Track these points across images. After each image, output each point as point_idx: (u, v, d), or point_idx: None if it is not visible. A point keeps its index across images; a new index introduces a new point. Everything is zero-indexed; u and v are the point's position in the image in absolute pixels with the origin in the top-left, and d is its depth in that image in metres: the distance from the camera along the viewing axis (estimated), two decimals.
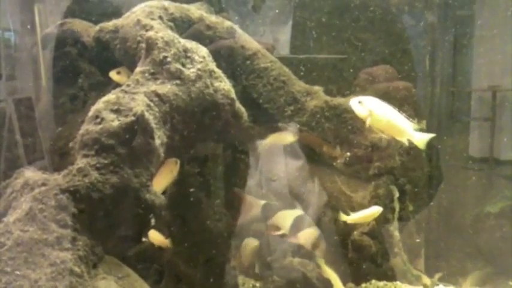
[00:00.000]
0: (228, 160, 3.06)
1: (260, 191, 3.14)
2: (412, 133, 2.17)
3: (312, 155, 2.93)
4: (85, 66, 2.93)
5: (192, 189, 2.62)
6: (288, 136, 2.83)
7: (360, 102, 2.19)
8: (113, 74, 2.46)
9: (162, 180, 2.24)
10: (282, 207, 3.03)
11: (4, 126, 3.95)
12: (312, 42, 3.83)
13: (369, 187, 2.71)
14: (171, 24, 2.70)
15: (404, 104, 2.96)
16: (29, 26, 3.85)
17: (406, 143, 2.22)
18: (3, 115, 3.96)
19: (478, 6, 4.41)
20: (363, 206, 2.73)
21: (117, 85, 2.55)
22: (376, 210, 2.46)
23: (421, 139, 2.19)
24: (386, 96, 2.83)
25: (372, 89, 3.05)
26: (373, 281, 2.95)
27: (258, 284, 3.18)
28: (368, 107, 2.16)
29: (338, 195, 2.77)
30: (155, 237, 2.49)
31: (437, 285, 3.07)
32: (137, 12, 2.64)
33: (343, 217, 2.50)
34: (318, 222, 3.00)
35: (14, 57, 4.21)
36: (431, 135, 2.20)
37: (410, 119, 2.19)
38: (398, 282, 3.24)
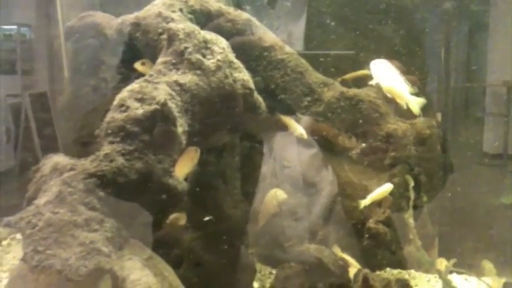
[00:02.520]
0: (245, 149, 3.13)
1: (274, 178, 3.20)
2: (408, 96, 2.45)
3: (327, 145, 2.98)
4: (106, 57, 3.01)
5: (210, 177, 2.69)
6: (299, 130, 2.87)
7: (374, 64, 2.51)
8: (138, 65, 2.55)
9: (183, 168, 2.30)
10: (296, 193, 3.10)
11: (20, 120, 4.06)
12: (326, 35, 3.87)
13: (384, 176, 2.76)
14: (191, 16, 2.77)
15: None
16: (50, 20, 3.95)
17: (405, 106, 2.48)
18: (20, 109, 4.08)
19: (493, 1, 4.40)
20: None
21: (139, 75, 2.64)
22: (387, 187, 2.54)
23: (415, 102, 2.46)
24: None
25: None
26: (388, 269, 3.01)
27: (274, 271, 3.25)
28: (378, 70, 2.49)
29: (354, 185, 2.82)
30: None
31: (451, 272, 3.11)
32: (158, 4, 2.72)
33: (362, 203, 2.57)
34: (332, 210, 3.06)
35: (35, 52, 4.31)
36: (423, 100, 2.48)
37: (411, 85, 2.47)
38: (412, 271, 3.29)
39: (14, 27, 4.37)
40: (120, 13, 2.99)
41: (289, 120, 2.85)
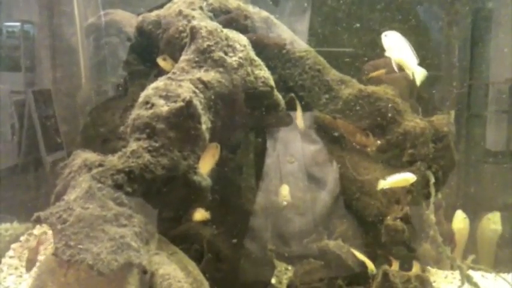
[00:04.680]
0: (260, 146, 3.16)
1: (278, 172, 3.22)
2: (413, 67, 2.54)
3: (345, 142, 3.00)
4: (126, 55, 3.04)
5: (230, 173, 2.71)
6: (299, 121, 2.90)
7: (385, 36, 2.59)
8: (160, 60, 2.59)
9: (206, 165, 2.33)
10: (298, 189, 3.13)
11: (24, 117, 4.11)
12: (330, 32, 3.88)
13: None
14: (211, 14, 2.79)
15: (405, 94, 3.03)
16: (61, 17, 3.98)
17: (411, 76, 2.56)
18: (24, 106, 4.12)
19: None
20: (395, 192, 2.80)
21: (159, 73, 2.67)
22: (409, 176, 2.57)
23: (419, 72, 2.55)
24: (394, 85, 2.92)
25: (375, 80, 3.12)
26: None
27: (290, 267, 3.28)
28: (388, 42, 2.58)
29: (372, 182, 2.83)
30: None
31: (468, 269, 3.13)
32: (179, 3, 2.75)
33: (381, 184, 2.59)
34: (336, 204, 3.08)
35: (38, 49, 4.34)
36: (425, 71, 2.56)
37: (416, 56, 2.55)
38: (428, 267, 3.31)
39: (17, 24, 4.40)
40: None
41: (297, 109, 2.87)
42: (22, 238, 3.78)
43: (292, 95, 2.90)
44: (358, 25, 3.87)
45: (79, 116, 3.67)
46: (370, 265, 2.63)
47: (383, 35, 2.60)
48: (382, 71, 3.01)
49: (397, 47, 2.58)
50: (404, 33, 3.88)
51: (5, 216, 3.96)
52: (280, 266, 3.32)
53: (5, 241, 3.60)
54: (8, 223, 3.95)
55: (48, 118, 4.17)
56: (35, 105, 4.08)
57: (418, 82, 2.58)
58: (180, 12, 2.67)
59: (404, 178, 2.57)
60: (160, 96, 2.14)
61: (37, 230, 3.89)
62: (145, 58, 2.90)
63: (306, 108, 2.91)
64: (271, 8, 3.79)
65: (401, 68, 2.59)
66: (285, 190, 2.86)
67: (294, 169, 3.23)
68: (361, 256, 2.70)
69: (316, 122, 3.01)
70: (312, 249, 2.81)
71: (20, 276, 3.18)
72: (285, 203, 2.89)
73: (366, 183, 2.90)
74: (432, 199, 2.68)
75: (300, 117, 2.90)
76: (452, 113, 3.75)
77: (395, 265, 2.70)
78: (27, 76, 4.35)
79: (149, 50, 2.84)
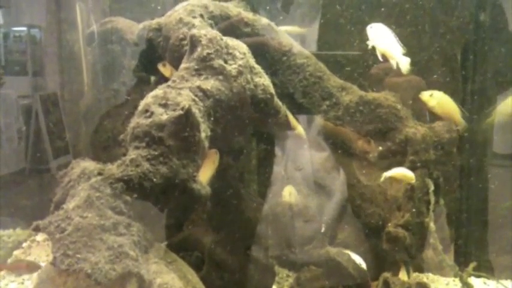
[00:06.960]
0: (262, 152, 3.16)
1: (286, 180, 3.22)
2: (398, 56, 2.62)
3: (346, 148, 2.99)
4: (128, 62, 3.05)
5: (230, 180, 2.72)
6: (299, 129, 2.88)
7: (370, 27, 2.64)
8: (160, 66, 2.62)
9: (206, 172, 2.33)
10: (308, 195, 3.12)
11: (31, 121, 4.13)
12: (340, 37, 3.87)
13: None
14: (211, 22, 2.80)
15: (415, 97, 3.02)
16: (65, 23, 4.00)
17: (394, 66, 2.65)
18: (31, 110, 4.14)
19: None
20: (396, 199, 2.79)
21: (159, 80, 2.69)
22: (409, 172, 2.60)
23: (405, 62, 2.63)
24: (397, 90, 2.92)
25: (384, 83, 3.11)
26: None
27: (291, 274, 3.27)
28: (373, 33, 2.62)
29: (372, 189, 2.83)
30: None
31: (470, 276, 3.11)
32: (179, 10, 2.75)
33: (383, 176, 2.62)
34: (343, 212, 3.07)
35: (45, 53, 4.37)
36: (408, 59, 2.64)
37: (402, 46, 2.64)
38: (430, 274, 3.30)
39: (24, 28, 4.44)
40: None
41: (291, 118, 2.86)
42: (25, 245, 3.79)
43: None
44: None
45: (83, 122, 3.68)
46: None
47: (368, 27, 2.64)
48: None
49: (381, 37, 2.62)
50: (415, 38, 3.90)
51: (13, 220, 3.98)
52: (282, 272, 3.31)
53: (7, 247, 3.62)
54: (11, 229, 3.98)
55: (55, 122, 4.19)
56: (42, 109, 4.10)
57: (404, 71, 2.64)
58: (180, 20, 2.68)
59: (405, 173, 2.57)
60: (160, 105, 2.14)
61: (40, 237, 3.90)
62: (146, 65, 2.91)
63: (306, 115, 2.91)
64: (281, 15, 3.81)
65: (385, 58, 2.65)
66: (287, 191, 2.84)
67: (301, 176, 3.23)
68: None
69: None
70: (314, 256, 2.80)
71: (22, 283, 3.19)
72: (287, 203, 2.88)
73: (367, 189, 2.89)
74: (432, 206, 2.67)
75: (297, 125, 2.89)
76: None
77: (402, 271, 2.68)
78: (34, 80, 4.38)
79: (150, 58, 2.85)
